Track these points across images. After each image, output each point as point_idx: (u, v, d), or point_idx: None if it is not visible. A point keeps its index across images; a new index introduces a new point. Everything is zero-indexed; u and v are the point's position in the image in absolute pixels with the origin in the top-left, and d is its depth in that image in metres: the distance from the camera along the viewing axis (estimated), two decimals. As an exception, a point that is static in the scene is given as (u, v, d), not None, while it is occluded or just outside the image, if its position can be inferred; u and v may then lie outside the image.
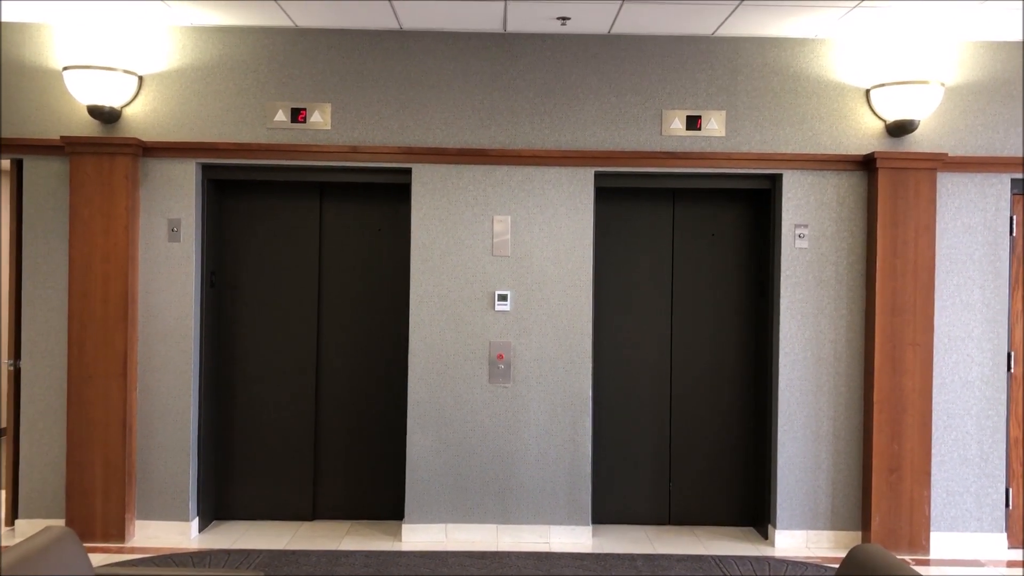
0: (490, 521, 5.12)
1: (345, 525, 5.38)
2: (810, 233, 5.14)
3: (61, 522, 4.98)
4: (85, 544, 4.85)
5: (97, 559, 4.64)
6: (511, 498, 5.12)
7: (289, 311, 5.45)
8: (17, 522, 5.06)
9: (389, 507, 5.42)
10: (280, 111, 5.10)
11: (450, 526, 5.11)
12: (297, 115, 5.10)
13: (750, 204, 5.49)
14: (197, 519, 5.16)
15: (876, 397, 5.00)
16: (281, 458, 5.45)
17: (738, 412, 5.50)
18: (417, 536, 5.08)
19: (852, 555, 2.63)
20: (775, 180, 5.22)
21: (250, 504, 5.45)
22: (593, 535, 5.20)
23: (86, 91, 4.90)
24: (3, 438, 5.05)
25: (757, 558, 4.85)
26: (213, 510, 5.40)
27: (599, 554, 4.88)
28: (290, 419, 5.46)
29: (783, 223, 5.15)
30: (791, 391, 5.12)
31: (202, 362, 5.19)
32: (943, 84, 5.03)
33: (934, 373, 5.08)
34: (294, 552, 4.81)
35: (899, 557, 4.93)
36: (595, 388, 5.30)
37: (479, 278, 5.12)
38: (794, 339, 5.12)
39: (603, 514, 5.45)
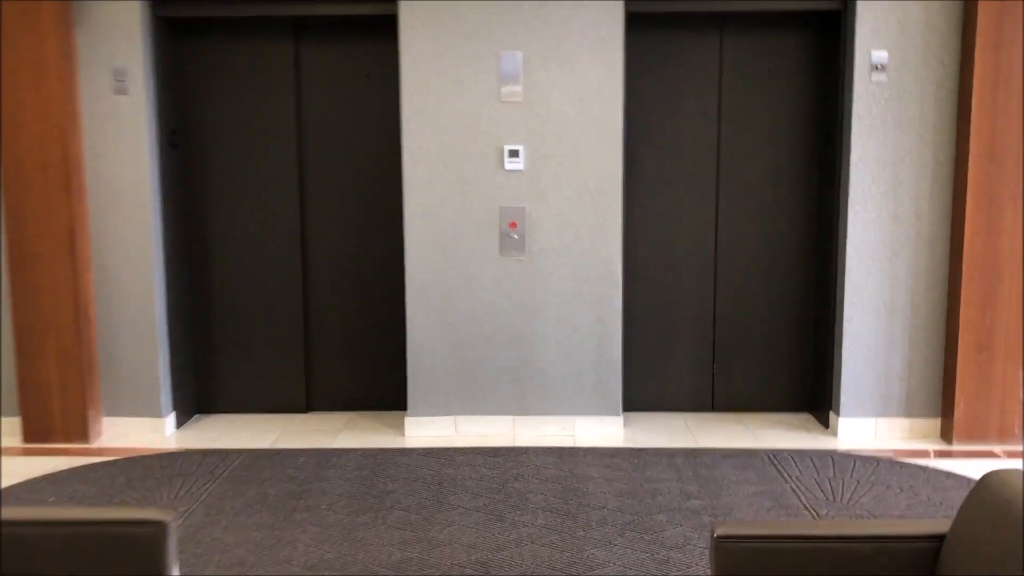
0: (505, 412, 4.44)
1: (343, 417, 4.75)
2: (890, 64, 4.17)
3: (17, 420, 4.38)
4: (45, 444, 4.29)
5: (55, 463, 4.05)
6: (529, 387, 4.42)
7: (267, 175, 4.66)
8: (-27, 421, 4.49)
9: (392, 397, 4.77)
10: (235, -74, 4.16)
11: (460, 419, 4.44)
12: (257, -68, 4.16)
13: (816, 31, 4.51)
14: (174, 414, 4.54)
15: (966, 262, 4.14)
16: (268, 344, 4.78)
17: (796, 282, 4.69)
18: (422, 430, 4.43)
19: (986, 483, 1.87)
20: (848, -2, 4.23)
21: (236, 396, 4.82)
22: (625, 425, 4.52)
23: (-4, -93, 3.99)
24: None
25: (818, 452, 4.14)
26: (195, 403, 4.79)
27: (632, 448, 4.20)
28: (275, 300, 4.75)
29: (856, 52, 4.17)
30: (860, 256, 4.28)
31: (166, 237, 4.45)
32: None
33: (1038, 232, 4.20)
34: (280, 452, 4.18)
35: (985, 447, 4.22)
36: (626, 259, 4.51)
37: (485, 129, 4.26)
38: (866, 195, 4.24)
39: (636, 401, 4.75)
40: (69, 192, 4.17)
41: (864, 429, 4.37)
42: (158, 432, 4.45)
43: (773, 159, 4.61)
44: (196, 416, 4.79)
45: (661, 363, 4.76)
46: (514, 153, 4.25)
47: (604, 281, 4.34)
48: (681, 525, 3.33)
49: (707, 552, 3.08)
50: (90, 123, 4.27)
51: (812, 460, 4.03)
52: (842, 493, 3.65)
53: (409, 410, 4.44)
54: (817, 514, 3.45)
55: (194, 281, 4.73)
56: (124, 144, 4.27)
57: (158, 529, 1.92)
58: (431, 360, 4.40)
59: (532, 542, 3.19)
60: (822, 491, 3.68)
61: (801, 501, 3.57)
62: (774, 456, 4.09)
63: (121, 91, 4.24)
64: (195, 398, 4.79)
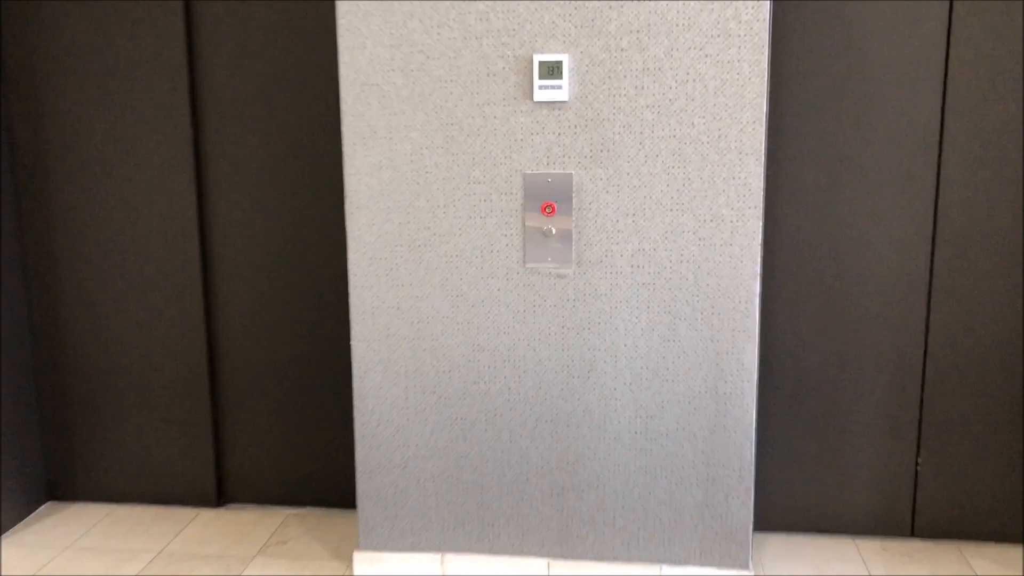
0: (534, 552, 2.45)
1: (270, 520, 2.86)
2: None
3: None
4: None
5: None
6: (577, 507, 2.41)
7: (145, 149, 2.74)
8: None
9: (347, 487, 2.86)
10: None
11: (451, 557, 2.48)
12: None
13: None
14: (-15, 520, 2.73)
15: None
16: (159, 400, 2.91)
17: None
18: (384, 573, 2.49)
19: None
20: None
21: (113, 477, 2.99)
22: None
23: None
24: None
25: None
26: (44, 488, 2.98)
27: (771, 647, 2.17)
28: (166, 334, 2.86)
29: None
30: None
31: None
32: None
33: None
34: (122, 619, 2.31)
35: None
36: (764, 281, 2.43)
37: (495, 24, 2.21)
38: None
39: (775, 515, 2.70)
40: None
41: None
42: (-52, 555, 2.64)
43: (1055, 83, 2.42)
44: (48, 504, 2.99)
45: (821, 454, 2.67)
46: (551, 70, 2.19)
47: (725, 317, 2.27)
48: None
49: None
50: None
51: None
52: None
53: (362, 539, 2.49)
54: None
55: (36, 305, 2.87)
56: None
57: None
58: (401, 452, 2.43)
59: None
60: None
61: None
62: None
63: None
64: (44, 480, 2.98)
